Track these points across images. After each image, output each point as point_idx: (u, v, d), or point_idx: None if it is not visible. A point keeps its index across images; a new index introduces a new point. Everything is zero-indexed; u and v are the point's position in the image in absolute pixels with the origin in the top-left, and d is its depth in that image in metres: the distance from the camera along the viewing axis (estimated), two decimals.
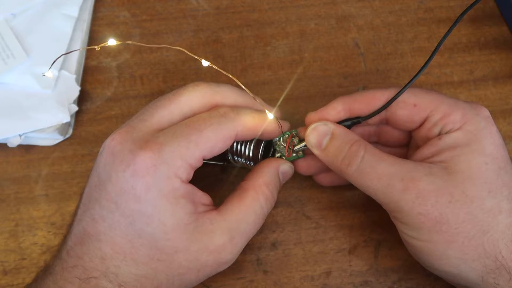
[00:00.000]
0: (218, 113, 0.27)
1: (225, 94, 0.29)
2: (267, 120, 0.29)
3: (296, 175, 0.35)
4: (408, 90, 0.28)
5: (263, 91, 0.38)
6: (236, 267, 0.32)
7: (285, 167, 0.31)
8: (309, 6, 0.42)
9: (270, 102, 0.31)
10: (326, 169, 0.31)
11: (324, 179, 0.33)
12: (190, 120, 0.27)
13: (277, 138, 0.31)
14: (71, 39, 0.39)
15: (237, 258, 0.32)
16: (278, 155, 0.31)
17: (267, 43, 0.40)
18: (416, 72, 0.28)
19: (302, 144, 0.31)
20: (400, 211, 0.26)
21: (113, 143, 0.26)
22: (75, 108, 0.36)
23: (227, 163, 0.34)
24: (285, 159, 0.31)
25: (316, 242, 0.33)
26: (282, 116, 0.31)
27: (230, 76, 0.27)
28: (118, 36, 0.40)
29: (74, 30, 0.39)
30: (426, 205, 0.25)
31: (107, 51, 0.40)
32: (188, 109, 0.27)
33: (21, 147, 0.36)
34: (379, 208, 0.34)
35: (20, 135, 0.35)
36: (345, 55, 0.40)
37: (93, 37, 0.40)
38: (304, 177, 0.35)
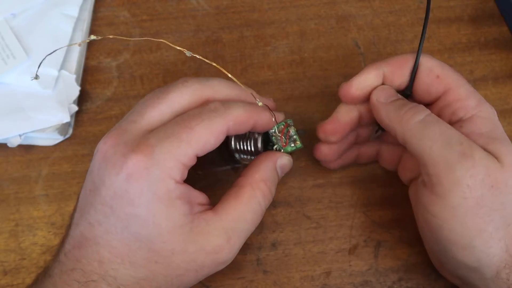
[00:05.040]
0: (209, 109, 0.26)
1: (216, 88, 0.28)
2: (260, 111, 0.28)
3: (296, 175, 0.35)
4: (437, 61, 0.29)
5: (263, 91, 0.38)
6: (236, 267, 0.32)
7: (283, 160, 0.30)
8: (309, 6, 0.42)
9: None
10: (342, 154, 0.31)
11: (334, 164, 0.33)
12: (180, 118, 0.26)
13: (273, 130, 0.30)
14: (71, 39, 0.39)
15: (237, 258, 0.32)
16: (275, 147, 0.30)
17: (267, 43, 0.40)
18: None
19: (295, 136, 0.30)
20: (446, 180, 0.25)
21: (105, 147, 0.25)
22: (75, 108, 0.36)
23: (237, 164, 0.33)
24: (283, 151, 0.30)
25: (316, 242, 0.33)
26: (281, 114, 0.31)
27: (225, 71, 0.27)
28: (118, 36, 0.40)
29: (74, 30, 0.39)
30: (476, 180, 0.25)
31: (107, 51, 0.40)
32: (178, 107, 0.27)
33: (21, 147, 0.36)
34: (379, 208, 0.34)
35: (20, 135, 0.35)
36: (345, 55, 0.40)
37: None
38: (304, 177, 0.35)
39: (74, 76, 0.37)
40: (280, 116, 0.30)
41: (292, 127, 0.30)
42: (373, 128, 0.32)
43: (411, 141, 0.27)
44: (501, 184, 0.25)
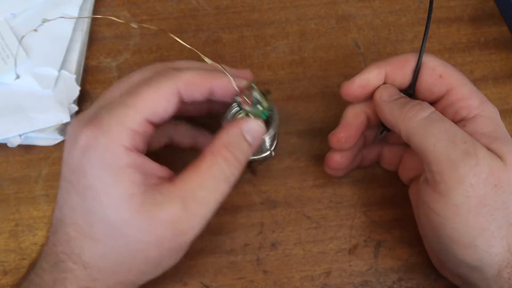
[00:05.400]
0: (158, 74, 0.26)
1: (182, 65, 0.28)
2: (216, 76, 0.27)
3: (296, 175, 0.35)
4: (440, 61, 0.29)
5: None
6: (236, 267, 0.32)
7: (250, 124, 0.27)
8: (309, 6, 0.42)
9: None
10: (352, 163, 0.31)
11: (343, 171, 0.33)
12: (129, 88, 0.26)
13: (237, 98, 0.28)
14: (71, 39, 0.39)
15: (237, 258, 0.32)
16: (241, 115, 0.28)
17: (267, 43, 0.40)
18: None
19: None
20: (449, 178, 0.25)
21: (69, 130, 0.26)
22: (75, 108, 0.36)
23: (273, 153, 0.32)
24: (253, 116, 0.28)
25: (316, 242, 0.33)
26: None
27: (199, 52, 0.26)
28: (118, 36, 0.40)
29: (74, 30, 0.39)
30: (479, 179, 0.25)
31: (107, 51, 0.40)
32: (137, 83, 0.27)
33: (21, 147, 0.36)
34: (379, 208, 0.34)
35: (20, 135, 0.35)
36: (345, 55, 0.40)
37: (93, 37, 0.40)
38: (304, 177, 0.35)
39: (74, 76, 0.37)
40: (242, 82, 0.28)
41: (256, 90, 0.28)
42: (378, 129, 0.32)
43: (415, 138, 0.27)
44: (504, 183, 0.25)
